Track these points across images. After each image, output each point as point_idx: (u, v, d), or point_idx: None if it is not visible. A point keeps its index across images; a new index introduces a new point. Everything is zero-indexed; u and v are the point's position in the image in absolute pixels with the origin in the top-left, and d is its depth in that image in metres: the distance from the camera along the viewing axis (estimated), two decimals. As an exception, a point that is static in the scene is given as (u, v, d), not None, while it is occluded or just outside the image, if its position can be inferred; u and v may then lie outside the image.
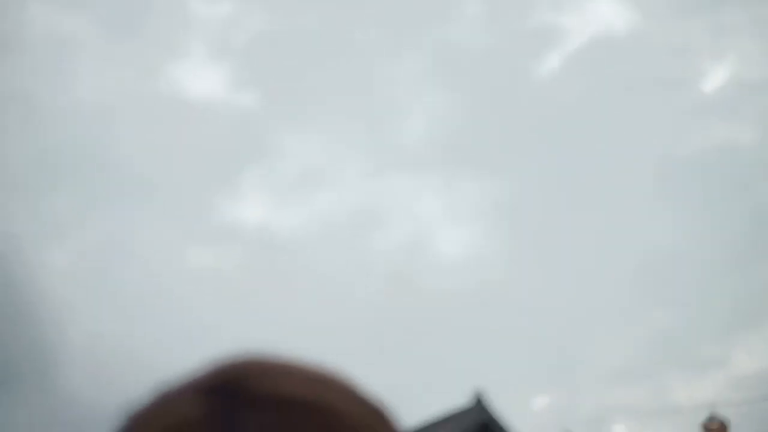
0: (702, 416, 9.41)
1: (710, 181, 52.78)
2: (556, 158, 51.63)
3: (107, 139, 53.96)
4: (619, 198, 50.58)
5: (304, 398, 0.60)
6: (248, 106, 58.22)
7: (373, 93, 53.68)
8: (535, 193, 49.70)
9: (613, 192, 50.70)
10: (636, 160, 51.85)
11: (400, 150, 52.15)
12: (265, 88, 56.49)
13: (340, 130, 55.31)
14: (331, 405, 0.61)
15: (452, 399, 28.88)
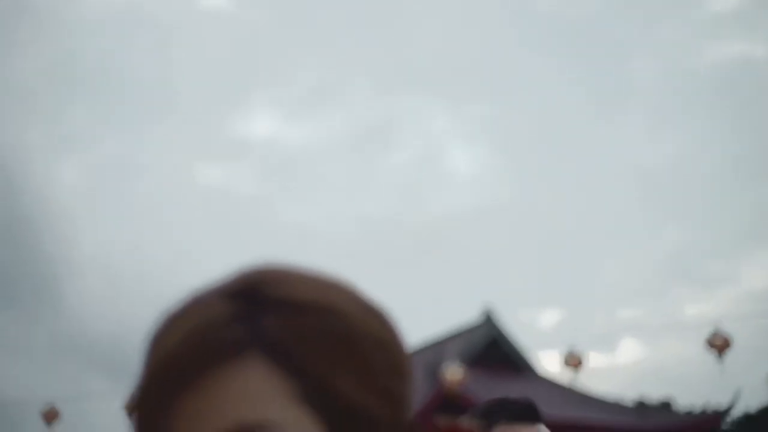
0: (710, 331, 9.48)
1: (723, 96, 52.26)
2: (566, 75, 51.09)
3: (119, 53, 53.63)
4: (628, 113, 50.25)
5: (314, 302, 0.68)
6: (259, 21, 57.39)
7: (384, 11, 52.88)
8: (544, 111, 49.39)
9: (623, 107, 50.35)
10: (646, 74, 51.33)
11: (411, 69, 51.74)
12: (276, 3, 55.60)
13: (351, 47, 54.62)
14: (338, 308, 0.69)
15: (462, 315, 29.12)
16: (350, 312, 0.69)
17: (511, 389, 23.46)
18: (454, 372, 14.92)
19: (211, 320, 0.67)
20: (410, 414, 0.75)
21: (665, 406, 32.71)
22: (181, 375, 0.66)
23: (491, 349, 26.08)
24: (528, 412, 1.97)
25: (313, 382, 0.67)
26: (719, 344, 9.10)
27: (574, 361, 12.98)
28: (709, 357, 10.20)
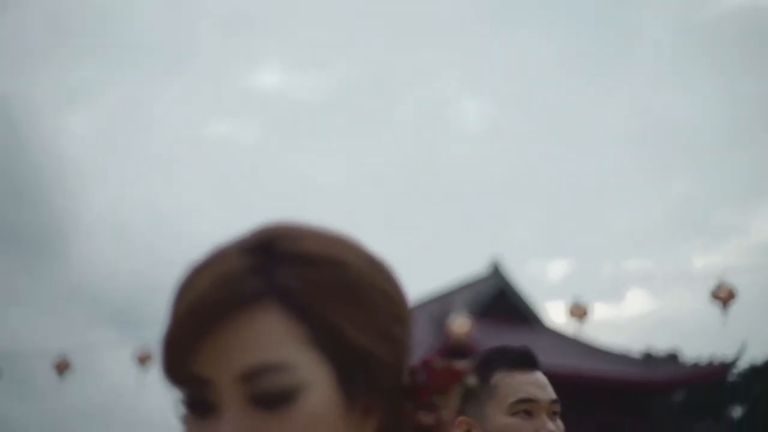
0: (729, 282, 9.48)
1: (734, 46, 51.75)
2: (574, 28, 50.60)
3: (128, 5, 53.27)
4: (636, 65, 49.83)
5: (324, 255, 0.77)
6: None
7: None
8: (552, 63, 49.04)
9: (631, 59, 49.92)
10: (654, 25, 50.82)
11: (419, 21, 51.28)
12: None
13: (358, -2, 54.10)
14: (346, 262, 0.77)
15: (469, 267, 29.17)
16: (357, 265, 0.78)
17: (519, 340, 23.56)
18: (461, 323, 14.97)
19: (231, 272, 0.74)
20: (410, 357, 0.83)
21: (672, 358, 32.87)
22: (205, 320, 0.73)
23: (499, 301, 26.17)
24: (526, 360, 1.99)
25: (322, 327, 0.75)
26: (724, 296, 9.11)
27: (579, 312, 13.00)
28: (716, 309, 10.23)
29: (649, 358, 27.50)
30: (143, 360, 14.56)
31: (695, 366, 25.91)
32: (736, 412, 34.20)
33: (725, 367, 24.80)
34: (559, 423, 1.96)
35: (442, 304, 23.15)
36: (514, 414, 1.92)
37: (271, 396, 0.73)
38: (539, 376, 1.98)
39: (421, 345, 20.40)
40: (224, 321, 0.74)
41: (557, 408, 1.96)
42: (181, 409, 0.77)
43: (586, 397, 23.35)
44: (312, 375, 0.74)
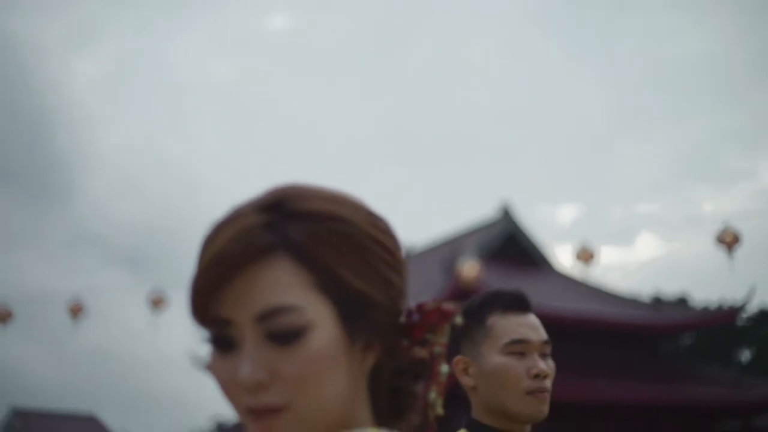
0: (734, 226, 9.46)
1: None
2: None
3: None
4: (651, 7, 49.18)
5: (328, 213, 0.89)
6: None
7: None
8: (566, 6, 48.39)
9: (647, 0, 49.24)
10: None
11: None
12: None
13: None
14: (347, 218, 0.90)
15: (479, 211, 29.13)
16: (356, 221, 0.90)
17: (528, 284, 23.68)
18: (469, 266, 15.04)
19: (247, 228, 0.87)
20: (406, 300, 0.95)
21: (681, 302, 32.99)
22: (226, 270, 0.86)
23: (508, 245, 26.24)
24: (520, 303, 2.07)
25: (326, 275, 0.88)
26: (729, 240, 9.11)
27: (585, 256, 13.02)
28: (723, 253, 10.23)
29: (658, 302, 27.61)
30: (156, 303, 14.69)
31: (704, 310, 26.03)
32: (745, 355, 34.43)
33: (734, 311, 24.90)
34: (550, 362, 2.05)
35: (452, 247, 23.23)
36: (507, 354, 2.02)
37: (283, 333, 0.86)
38: (532, 318, 2.07)
39: (431, 287, 20.51)
40: (242, 270, 0.87)
41: (548, 349, 2.06)
42: (207, 347, 0.91)
43: (595, 340, 23.51)
44: (318, 316, 0.87)
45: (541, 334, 2.06)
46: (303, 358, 0.86)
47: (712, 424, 24.20)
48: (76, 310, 15.04)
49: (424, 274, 22.77)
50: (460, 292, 16.91)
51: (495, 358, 2.03)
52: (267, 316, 0.86)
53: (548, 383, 2.03)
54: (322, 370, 0.87)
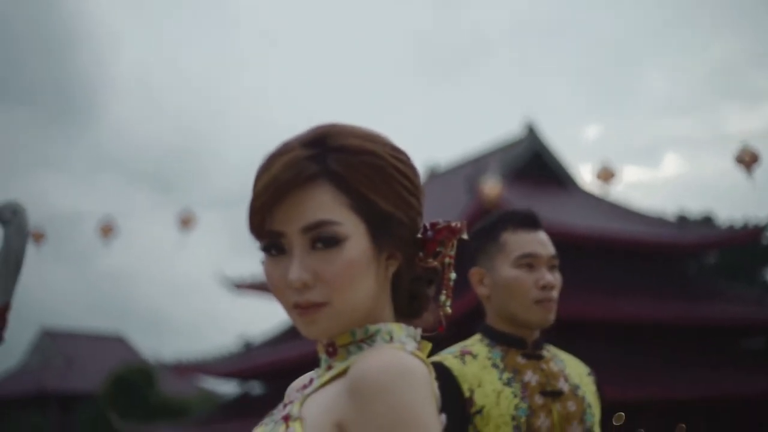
0: (753, 145, 9.46)
1: None
2: None
3: None
4: None
5: (361, 147, 1.13)
6: None
7: None
8: None
9: None
10: None
11: None
12: None
13: None
14: (376, 152, 1.14)
15: (505, 130, 28.99)
16: (384, 154, 1.14)
17: (553, 202, 23.71)
18: (492, 185, 15.13)
19: (295, 159, 1.11)
20: (422, 219, 1.19)
21: (706, 221, 32.95)
22: (277, 193, 1.10)
23: (534, 163, 26.21)
24: (530, 221, 2.27)
25: (359, 198, 1.12)
26: (747, 159, 9.11)
27: (606, 175, 13.03)
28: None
29: (683, 221, 27.61)
30: (186, 222, 14.90)
31: (729, 228, 26.01)
32: (769, 273, 34.46)
33: (759, 229, 24.92)
34: (557, 275, 2.27)
35: (477, 166, 23.30)
36: (518, 266, 2.24)
37: (325, 240, 1.09)
38: (541, 235, 2.27)
39: (456, 205, 20.67)
40: (291, 194, 1.10)
41: (556, 262, 2.27)
42: (262, 255, 1.14)
43: (619, 259, 23.63)
44: (352, 230, 1.10)
45: (550, 249, 2.26)
46: (340, 264, 1.09)
47: (736, 342, 24.41)
48: (106, 230, 15.26)
49: (450, 193, 22.91)
50: (483, 210, 17.05)
51: (507, 271, 2.24)
52: (311, 228, 1.09)
53: (555, 294, 2.24)
54: (355, 274, 1.10)
